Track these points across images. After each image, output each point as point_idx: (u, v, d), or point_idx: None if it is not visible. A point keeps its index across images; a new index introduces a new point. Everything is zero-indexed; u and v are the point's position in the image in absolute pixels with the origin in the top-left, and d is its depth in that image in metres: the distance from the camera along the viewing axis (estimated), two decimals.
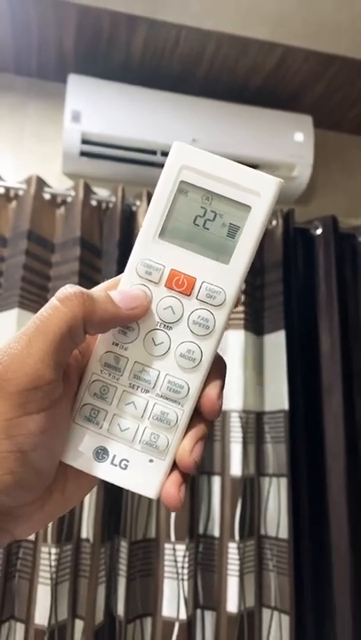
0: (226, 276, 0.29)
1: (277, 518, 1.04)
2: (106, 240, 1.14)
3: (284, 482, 1.04)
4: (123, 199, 1.13)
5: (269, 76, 1.27)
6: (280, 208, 1.21)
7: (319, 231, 1.22)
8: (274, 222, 1.20)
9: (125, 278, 0.29)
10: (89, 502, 0.97)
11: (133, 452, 0.29)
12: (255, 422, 1.09)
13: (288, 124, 1.29)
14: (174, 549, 0.98)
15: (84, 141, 1.18)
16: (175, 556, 0.98)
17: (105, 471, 0.29)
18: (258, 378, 1.12)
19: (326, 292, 1.17)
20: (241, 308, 1.11)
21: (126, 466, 0.29)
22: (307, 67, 1.24)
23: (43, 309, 0.26)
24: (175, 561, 0.98)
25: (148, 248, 0.29)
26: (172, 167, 0.29)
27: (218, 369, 0.30)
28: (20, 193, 1.13)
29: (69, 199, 1.14)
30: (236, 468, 1.03)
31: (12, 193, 1.14)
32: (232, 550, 1.01)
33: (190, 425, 0.29)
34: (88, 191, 1.14)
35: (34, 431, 0.25)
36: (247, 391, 1.07)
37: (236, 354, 1.08)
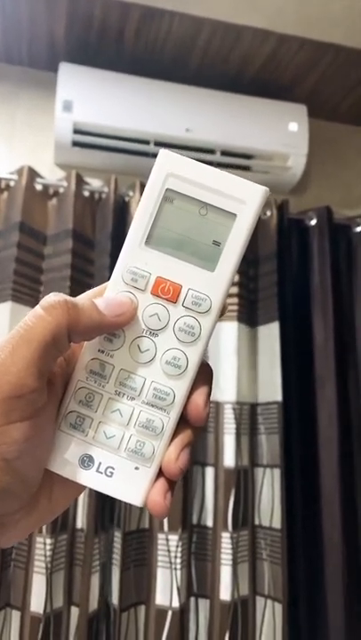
0: (211, 284, 0.29)
1: (271, 508, 1.05)
2: (98, 231, 1.13)
3: (277, 472, 1.05)
4: (115, 190, 1.12)
5: (263, 65, 1.26)
6: (274, 198, 1.21)
7: (314, 222, 1.21)
8: (268, 213, 1.19)
9: (111, 285, 0.29)
10: (84, 493, 0.98)
11: (119, 459, 0.29)
12: (249, 413, 1.09)
13: (282, 113, 1.27)
14: (167, 539, 0.99)
15: (76, 131, 1.17)
16: (168, 545, 0.99)
17: (90, 479, 0.29)
18: (251, 369, 1.12)
19: (321, 283, 1.17)
20: (235, 300, 1.10)
21: (112, 473, 0.29)
22: (301, 56, 1.23)
23: (27, 318, 0.26)
24: (168, 551, 0.99)
25: (135, 255, 0.29)
26: (158, 175, 0.29)
27: (204, 375, 0.30)
28: (12, 184, 1.12)
29: (61, 190, 1.13)
30: (229, 459, 1.04)
31: (3, 184, 1.12)
32: (225, 540, 1.02)
33: (176, 432, 0.29)
34: (80, 182, 1.13)
35: (17, 439, 0.25)
36: (241, 383, 1.07)
37: (230, 345, 1.08)
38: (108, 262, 1.06)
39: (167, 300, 0.29)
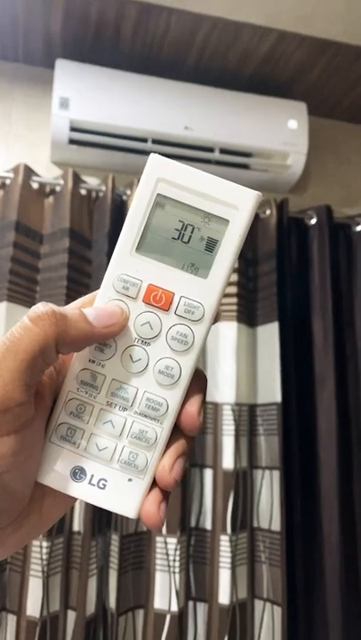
0: (204, 291, 0.29)
1: (270, 511, 1.04)
2: (96, 230, 1.12)
3: (276, 474, 1.04)
4: (113, 188, 1.11)
5: (263, 63, 1.25)
6: (274, 197, 1.20)
7: (313, 221, 1.21)
8: (268, 211, 1.19)
9: (101, 294, 0.29)
10: None
11: (111, 471, 0.29)
12: (248, 415, 1.09)
13: (282, 111, 1.27)
14: (166, 542, 0.98)
15: (73, 129, 1.16)
16: (167, 549, 0.98)
17: (83, 491, 0.28)
18: (250, 370, 1.11)
19: (320, 283, 1.16)
20: (234, 300, 1.10)
21: (104, 485, 0.29)
22: (301, 52, 1.21)
23: (14, 329, 0.26)
24: (167, 554, 0.98)
25: (125, 263, 0.29)
26: (148, 180, 0.29)
27: (198, 384, 0.29)
28: (7, 182, 1.10)
29: (58, 188, 1.12)
30: (228, 461, 1.03)
31: None
32: (224, 543, 1.01)
33: (170, 441, 0.29)
34: (77, 180, 1.12)
35: (5, 454, 0.24)
36: (240, 384, 1.06)
37: (229, 345, 1.08)
38: (106, 262, 1.04)
39: (159, 308, 0.29)
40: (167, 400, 0.29)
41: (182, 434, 0.29)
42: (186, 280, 0.29)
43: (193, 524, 1.04)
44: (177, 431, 0.29)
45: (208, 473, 1.05)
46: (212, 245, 0.29)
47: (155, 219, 0.29)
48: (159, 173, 0.29)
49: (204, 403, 0.30)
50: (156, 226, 0.29)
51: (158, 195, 0.29)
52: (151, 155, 0.29)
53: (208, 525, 1.03)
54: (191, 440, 0.30)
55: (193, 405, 0.29)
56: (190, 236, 0.29)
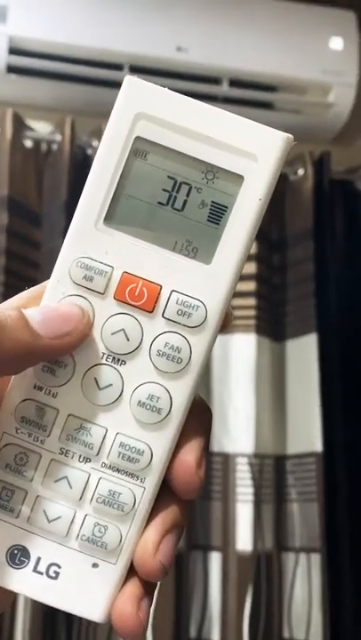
0: (207, 283, 0.29)
1: (307, 614, 1.04)
2: (47, 200, 1.12)
3: (316, 559, 1.04)
4: (72, 138, 1.11)
5: None
6: (309, 150, 1.20)
7: None
8: (300, 171, 1.19)
9: (52, 287, 0.29)
10: (22, 599, 0.96)
11: (68, 552, 0.29)
12: (273, 471, 1.09)
13: (321, 24, 1.26)
14: None
15: (13, 50, 1.15)
16: None
17: (25, 582, 0.29)
18: (277, 405, 1.11)
19: None
20: (252, 301, 1.10)
21: (57, 574, 0.29)
22: None
23: None
24: None
25: (88, 240, 0.29)
26: (122, 116, 0.29)
27: (198, 421, 0.30)
28: None
29: None
30: (244, 541, 1.03)
31: None
32: None
33: (156, 508, 0.29)
34: (20, 126, 1.12)
35: None
36: (261, 425, 1.06)
37: (245, 368, 1.08)
38: (61, 245, 1.03)
39: (139, 308, 0.29)
40: (151, 446, 0.29)
41: (174, 497, 0.29)
42: (179, 266, 0.29)
43: (193, 633, 1.04)
44: (166, 493, 0.29)
45: (215, 558, 1.05)
46: (218, 215, 0.29)
47: (132, 175, 0.29)
48: (138, 106, 0.28)
49: (206, 450, 0.30)
50: (135, 185, 0.29)
51: (137, 138, 0.29)
52: (126, 78, 0.29)
53: (215, 636, 1.03)
54: (187, 506, 0.30)
55: (190, 453, 0.29)
56: (186, 201, 0.29)
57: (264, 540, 1.05)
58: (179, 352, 0.29)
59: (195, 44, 1.19)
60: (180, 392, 0.29)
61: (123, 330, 0.29)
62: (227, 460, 1.06)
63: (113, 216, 0.29)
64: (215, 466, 1.06)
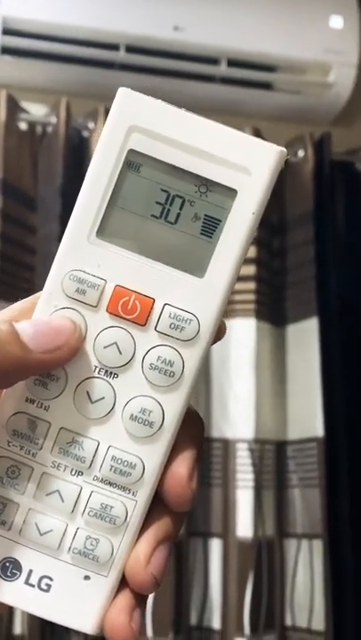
0: (200, 296, 0.29)
1: (309, 601, 1.04)
2: (42, 183, 1.11)
3: (318, 546, 1.04)
4: (68, 119, 1.10)
5: None
6: (310, 132, 1.19)
7: None
8: (301, 153, 1.19)
9: (44, 300, 0.30)
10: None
11: (60, 565, 0.29)
12: (274, 457, 1.09)
13: (321, 2, 1.25)
14: None
15: (6, 31, 1.14)
16: None
17: (16, 595, 0.29)
18: (277, 390, 1.10)
19: None
20: (251, 285, 1.10)
21: (49, 586, 0.29)
22: None
23: None
24: None
25: (80, 253, 0.29)
26: (115, 128, 0.29)
27: (190, 432, 0.30)
28: None
29: None
30: (245, 527, 1.03)
31: None
32: None
33: (148, 521, 0.30)
34: (14, 108, 1.11)
35: None
36: (261, 411, 1.07)
37: (245, 353, 1.08)
38: (58, 231, 1.05)
39: (132, 321, 0.29)
40: (143, 459, 0.29)
41: (166, 509, 0.30)
42: (172, 280, 0.29)
43: (194, 621, 1.04)
44: (158, 505, 0.30)
45: (215, 545, 1.06)
46: (211, 228, 0.29)
47: (125, 187, 0.29)
48: (132, 118, 0.29)
49: (199, 461, 0.30)
50: (128, 198, 0.29)
51: (131, 151, 0.29)
52: (120, 89, 0.29)
53: (216, 624, 1.04)
54: (179, 518, 0.30)
55: (182, 466, 0.29)
56: (179, 214, 0.29)
57: (265, 526, 1.05)
58: (171, 366, 0.29)
59: (192, 24, 1.19)
60: (173, 405, 0.29)
61: (115, 343, 0.29)
62: (227, 445, 1.06)
63: (106, 229, 0.29)
64: (215, 452, 1.06)
